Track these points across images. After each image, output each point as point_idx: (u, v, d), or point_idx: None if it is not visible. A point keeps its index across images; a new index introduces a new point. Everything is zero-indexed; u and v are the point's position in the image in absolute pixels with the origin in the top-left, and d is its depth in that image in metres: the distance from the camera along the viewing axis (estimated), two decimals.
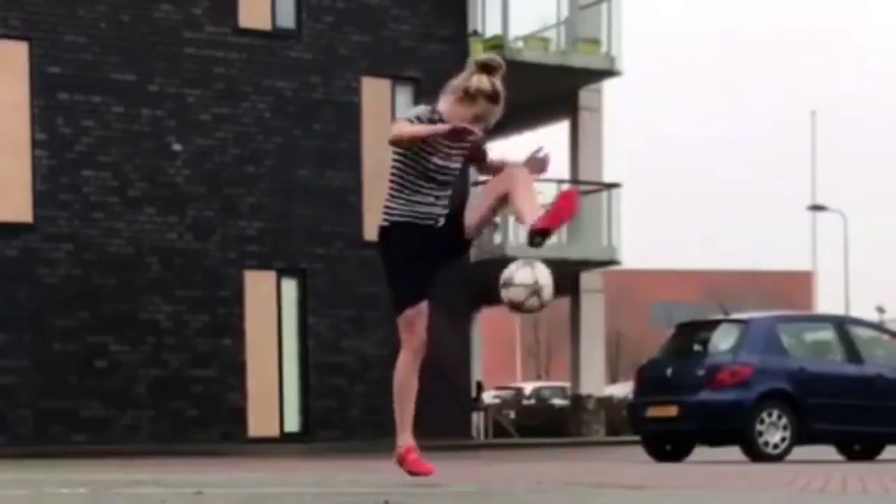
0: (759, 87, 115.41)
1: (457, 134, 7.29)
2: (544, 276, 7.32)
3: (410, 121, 7.44)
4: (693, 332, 18.50)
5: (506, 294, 7.31)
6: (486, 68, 7.41)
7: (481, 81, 7.40)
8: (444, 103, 7.55)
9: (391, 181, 7.62)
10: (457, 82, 7.51)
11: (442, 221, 7.61)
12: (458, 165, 7.67)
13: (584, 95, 30.30)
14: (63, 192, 23.18)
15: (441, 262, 7.64)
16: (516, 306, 7.30)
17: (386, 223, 7.64)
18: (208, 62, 24.31)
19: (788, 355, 17.39)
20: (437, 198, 7.60)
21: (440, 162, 7.53)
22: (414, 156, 7.51)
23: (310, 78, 25.22)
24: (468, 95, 7.41)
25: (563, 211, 7.21)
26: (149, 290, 23.76)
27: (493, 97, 7.40)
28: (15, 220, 22.86)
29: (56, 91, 23.15)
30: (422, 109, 7.52)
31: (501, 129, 33.24)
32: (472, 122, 7.34)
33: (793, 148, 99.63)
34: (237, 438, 24.00)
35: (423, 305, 7.61)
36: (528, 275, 7.31)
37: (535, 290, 7.29)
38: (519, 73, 27.54)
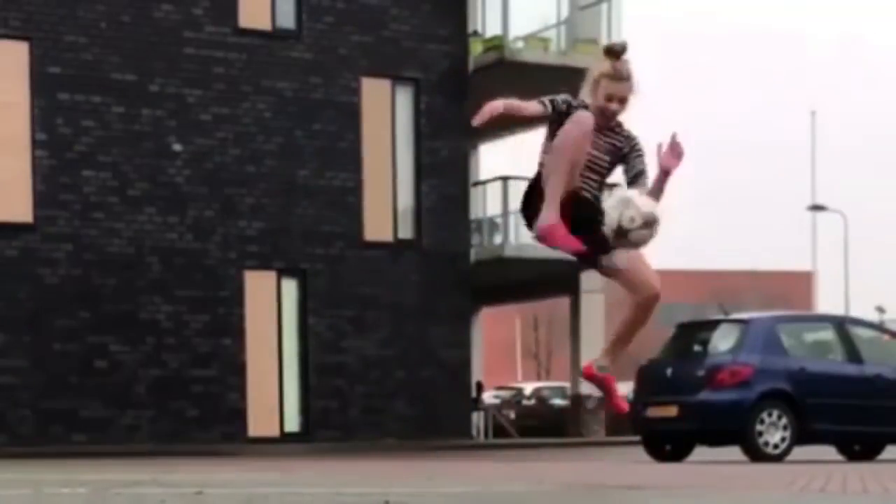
0: (759, 86, 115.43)
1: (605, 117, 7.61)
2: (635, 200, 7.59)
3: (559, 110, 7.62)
4: (693, 332, 18.49)
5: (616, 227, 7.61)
6: (609, 53, 7.75)
7: (602, 64, 7.72)
8: (586, 95, 7.83)
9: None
10: (591, 74, 7.84)
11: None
12: (607, 157, 7.79)
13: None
14: (63, 192, 23.18)
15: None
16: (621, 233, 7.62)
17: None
18: (208, 62, 24.31)
19: (788, 355, 17.36)
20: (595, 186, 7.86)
21: (593, 152, 7.71)
22: None
23: (310, 78, 25.21)
24: (595, 82, 7.73)
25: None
26: (149, 290, 23.76)
27: (612, 76, 7.69)
28: (15, 220, 22.86)
29: (56, 91, 23.15)
30: (562, 97, 7.74)
31: (501, 129, 33.08)
32: (605, 105, 7.66)
33: (793, 148, 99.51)
34: (237, 438, 24.00)
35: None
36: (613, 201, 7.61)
37: (627, 204, 7.57)
38: (519, 73, 27.67)
